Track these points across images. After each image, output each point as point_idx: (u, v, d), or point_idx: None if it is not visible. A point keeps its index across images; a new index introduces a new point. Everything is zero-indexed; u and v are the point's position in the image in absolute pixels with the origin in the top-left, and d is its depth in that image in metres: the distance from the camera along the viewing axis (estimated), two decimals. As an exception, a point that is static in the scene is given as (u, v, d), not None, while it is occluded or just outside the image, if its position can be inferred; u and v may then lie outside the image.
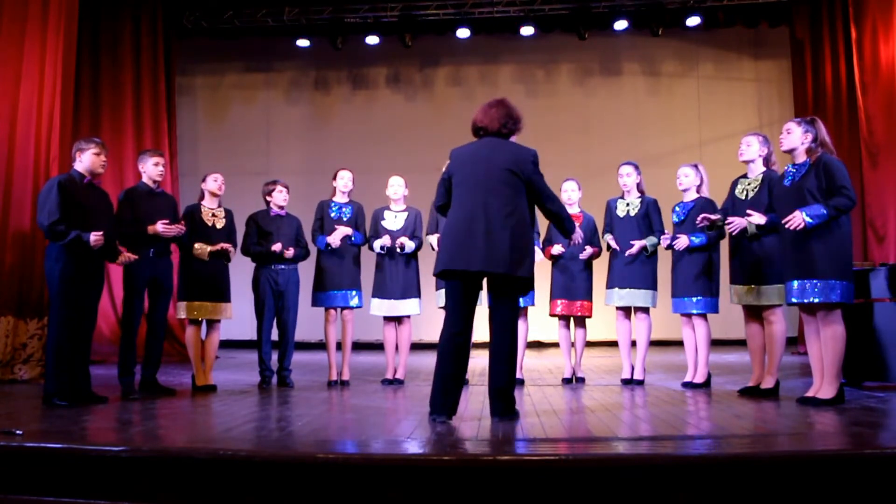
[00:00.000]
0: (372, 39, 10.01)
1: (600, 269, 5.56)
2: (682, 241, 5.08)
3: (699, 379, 5.11)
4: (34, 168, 6.02)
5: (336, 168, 5.85)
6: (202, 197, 5.41)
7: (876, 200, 7.61)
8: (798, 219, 4.00)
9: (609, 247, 5.47)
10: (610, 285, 5.44)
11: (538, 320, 6.39)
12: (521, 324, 5.38)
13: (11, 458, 2.92)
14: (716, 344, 5.85)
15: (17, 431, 3.18)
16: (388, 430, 3.54)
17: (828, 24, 8.86)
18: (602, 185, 6.12)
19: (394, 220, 5.62)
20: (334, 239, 5.49)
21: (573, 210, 5.63)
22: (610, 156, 6.82)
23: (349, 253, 5.60)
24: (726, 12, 9.69)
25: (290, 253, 5.48)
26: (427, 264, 5.66)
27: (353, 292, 5.58)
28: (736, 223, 4.60)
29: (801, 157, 4.23)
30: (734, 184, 4.86)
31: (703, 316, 5.13)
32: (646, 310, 5.39)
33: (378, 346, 6.90)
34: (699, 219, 4.87)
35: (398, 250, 5.49)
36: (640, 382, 5.37)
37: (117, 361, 4.97)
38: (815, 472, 2.64)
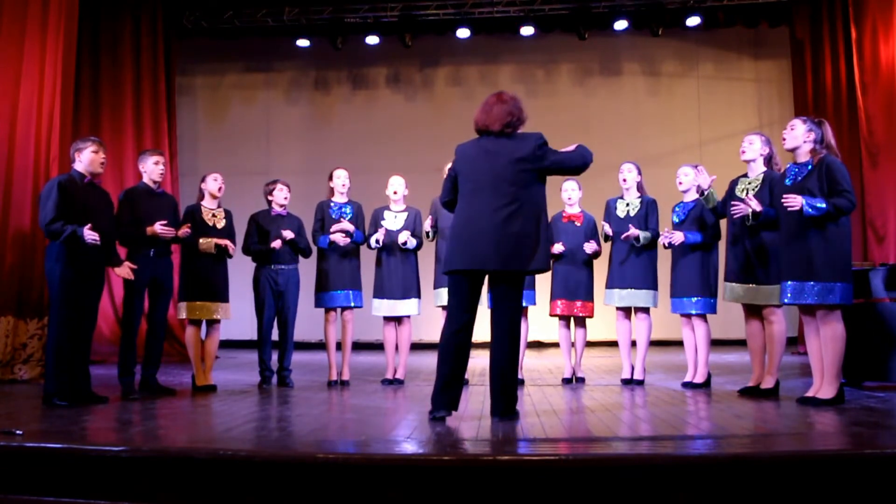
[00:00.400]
0: (372, 39, 10.01)
1: (600, 268, 5.56)
2: (678, 237, 5.09)
3: (699, 379, 5.11)
4: (34, 168, 6.02)
5: (333, 168, 5.84)
6: (202, 197, 5.41)
7: (876, 200, 7.61)
8: (798, 201, 4.00)
9: (607, 237, 5.45)
10: (610, 285, 5.44)
11: (538, 320, 6.39)
12: (521, 324, 5.38)
13: (11, 458, 2.92)
14: (716, 344, 5.85)
15: (17, 431, 3.18)
16: (388, 430, 3.54)
17: (828, 24, 8.86)
18: (602, 185, 6.11)
19: (394, 220, 5.62)
20: (336, 236, 5.48)
21: (574, 210, 5.63)
22: (610, 156, 6.80)
23: (349, 253, 5.60)
24: (726, 12, 9.69)
25: (288, 234, 5.45)
26: (427, 264, 5.68)
27: (353, 292, 5.58)
28: (741, 207, 4.55)
29: (804, 157, 4.22)
30: (733, 183, 4.85)
31: (703, 316, 5.13)
32: (646, 310, 5.39)
33: (378, 346, 6.90)
34: (698, 167, 4.86)
35: (400, 244, 5.48)
36: (640, 382, 5.37)
37: (117, 361, 4.97)
38: (815, 472, 2.64)
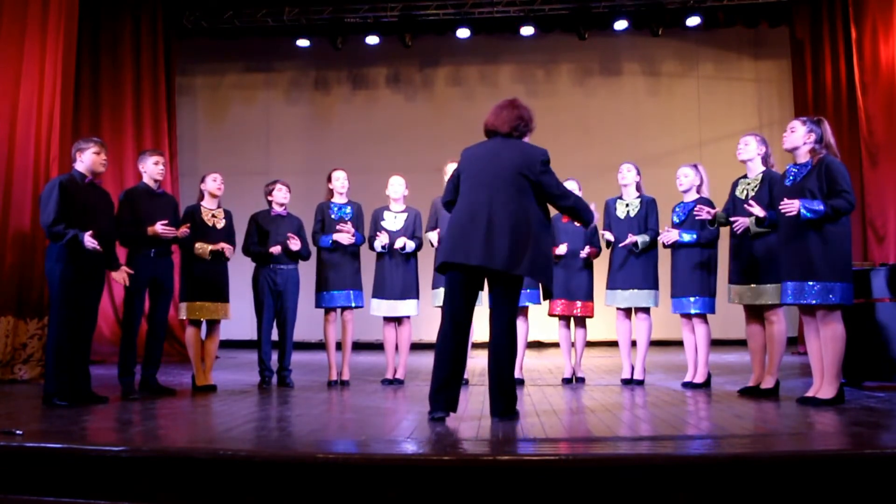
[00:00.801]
0: (372, 39, 10.01)
1: (601, 268, 5.56)
2: (672, 235, 5.10)
3: (699, 379, 5.12)
4: (34, 168, 6.02)
5: (332, 169, 5.84)
6: (201, 197, 5.41)
7: (876, 200, 7.61)
8: (794, 206, 4.00)
9: (609, 244, 5.47)
10: (611, 286, 5.44)
11: (538, 320, 6.39)
12: (521, 324, 5.39)
13: (11, 458, 2.92)
14: (716, 344, 5.85)
15: (17, 431, 3.18)
16: (388, 430, 3.54)
17: (828, 24, 8.86)
18: (602, 185, 6.12)
19: (393, 220, 5.62)
20: (341, 236, 5.48)
21: (573, 210, 5.63)
22: (610, 156, 6.82)
23: (349, 253, 5.60)
24: (726, 12, 9.69)
25: (295, 244, 5.45)
26: (427, 264, 5.68)
27: (354, 292, 5.58)
28: (740, 222, 4.60)
29: (804, 157, 4.22)
30: (734, 184, 4.86)
31: (703, 316, 5.13)
32: (646, 310, 5.39)
33: (378, 346, 6.90)
34: (697, 208, 4.87)
35: (399, 251, 5.49)
36: (640, 382, 5.37)
37: (117, 361, 4.97)
38: (815, 472, 2.64)
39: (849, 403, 4.15)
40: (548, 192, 3.74)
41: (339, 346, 5.74)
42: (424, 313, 5.86)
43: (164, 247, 5.02)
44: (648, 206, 5.42)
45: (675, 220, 5.27)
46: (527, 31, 9.85)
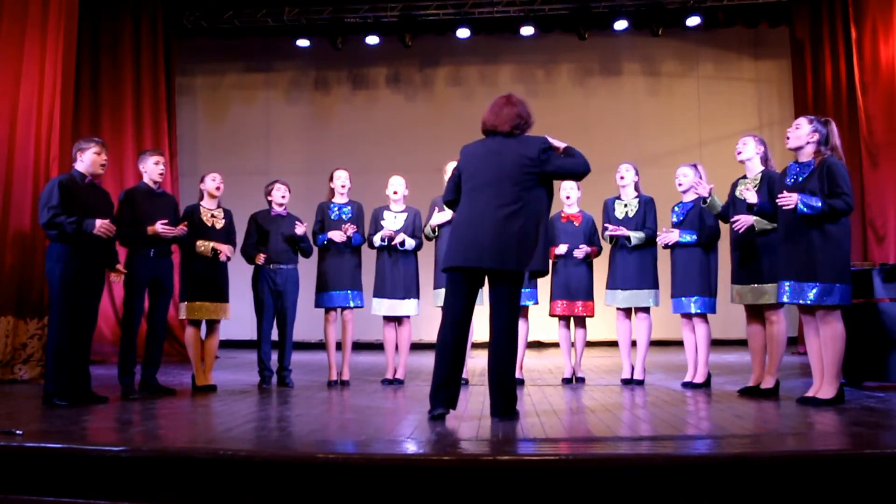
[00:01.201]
0: (372, 39, 10.01)
1: (601, 268, 5.56)
2: (672, 236, 5.10)
3: (699, 379, 5.12)
4: (34, 168, 6.02)
5: (334, 168, 5.85)
6: (201, 197, 5.41)
7: (876, 200, 7.61)
8: (793, 199, 4.00)
9: (610, 239, 5.46)
10: (611, 286, 5.44)
11: (538, 320, 6.39)
12: (521, 324, 5.38)
13: (11, 458, 2.92)
14: (716, 344, 5.85)
15: (17, 431, 3.18)
16: (388, 430, 3.54)
17: (828, 24, 8.86)
18: (602, 185, 6.11)
19: (393, 220, 5.62)
20: (334, 234, 5.49)
21: (573, 210, 5.64)
22: (610, 156, 6.81)
23: (350, 253, 5.60)
24: (726, 12, 9.69)
25: (301, 228, 5.46)
26: (427, 264, 5.68)
27: (354, 292, 5.58)
28: (742, 221, 4.59)
29: (806, 157, 4.21)
30: (734, 185, 4.86)
31: (704, 316, 5.13)
32: (646, 309, 5.39)
33: (378, 346, 6.90)
34: (694, 182, 4.84)
35: (398, 246, 5.49)
36: (640, 382, 5.37)
37: (117, 361, 4.97)
38: (815, 472, 2.64)
39: (849, 403, 4.14)
40: (559, 174, 3.76)
41: (339, 346, 5.74)
42: (425, 313, 5.86)
43: (163, 247, 5.02)
44: (647, 206, 5.42)
45: (675, 220, 5.27)
46: (527, 31, 9.85)
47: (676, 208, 5.30)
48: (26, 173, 6.00)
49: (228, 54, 10.64)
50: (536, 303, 5.44)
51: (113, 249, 4.72)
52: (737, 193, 4.77)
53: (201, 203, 5.38)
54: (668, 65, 10.62)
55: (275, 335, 5.61)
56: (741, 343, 6.03)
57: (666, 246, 5.24)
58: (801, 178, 4.18)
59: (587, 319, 5.63)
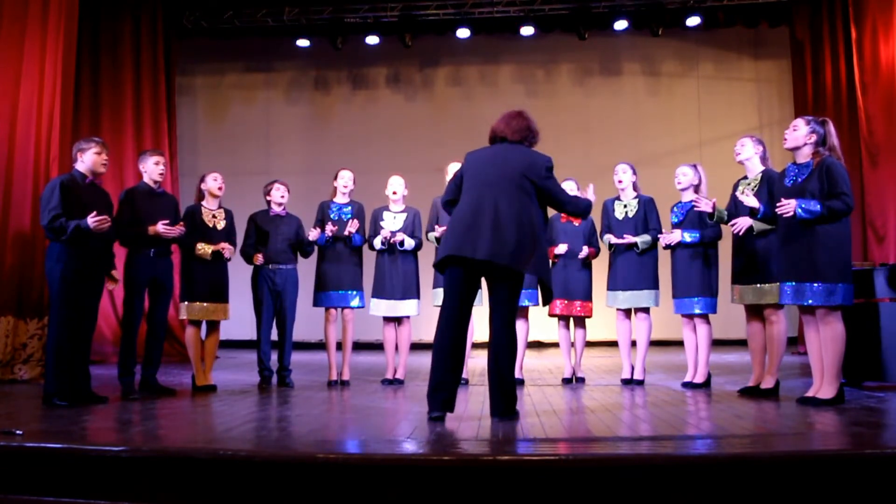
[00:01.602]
0: (372, 39, 10.01)
1: (600, 269, 5.56)
2: (675, 236, 5.10)
3: (699, 379, 5.12)
4: (34, 168, 6.01)
5: (336, 168, 5.86)
6: (202, 197, 5.41)
7: (876, 200, 7.61)
8: (791, 206, 4.00)
9: (610, 245, 5.46)
10: (612, 287, 5.44)
11: (538, 320, 6.39)
12: (521, 324, 5.39)
13: (11, 458, 2.92)
14: (716, 344, 5.84)
15: (17, 431, 3.18)
16: (388, 430, 3.54)
17: (828, 24, 8.86)
18: (602, 185, 6.08)
19: (393, 220, 5.62)
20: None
21: (573, 210, 5.63)
22: (610, 156, 6.83)
23: (349, 253, 5.60)
24: (726, 12, 9.69)
25: (314, 234, 5.48)
26: (427, 264, 5.68)
27: (354, 292, 5.58)
28: (739, 224, 4.61)
29: (804, 157, 4.21)
30: (735, 185, 4.87)
31: (705, 316, 5.13)
32: (646, 310, 5.39)
33: (378, 346, 6.90)
34: (695, 199, 4.83)
35: (398, 246, 5.49)
36: (640, 382, 5.37)
37: (117, 361, 4.97)
38: (815, 472, 2.64)
39: (849, 403, 4.14)
40: (552, 198, 3.82)
41: (339, 345, 5.74)
42: (425, 313, 5.86)
43: (163, 247, 5.02)
44: (647, 206, 5.42)
45: (674, 220, 5.27)
46: (527, 31, 9.85)
47: (676, 208, 5.29)
48: (26, 173, 6.00)
49: (228, 54, 10.64)
50: (536, 304, 5.44)
51: (110, 253, 4.72)
52: (738, 193, 4.76)
53: (202, 203, 5.37)
54: (668, 65, 10.62)
55: (274, 335, 5.61)
56: (741, 343, 6.02)
57: (667, 246, 5.24)
58: (800, 179, 4.17)
59: (587, 320, 5.64)
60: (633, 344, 5.52)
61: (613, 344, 6.13)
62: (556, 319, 5.66)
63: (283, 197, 5.66)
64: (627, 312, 5.46)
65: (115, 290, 5.11)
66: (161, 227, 4.84)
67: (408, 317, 5.62)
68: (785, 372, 5.57)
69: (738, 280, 4.75)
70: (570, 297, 5.50)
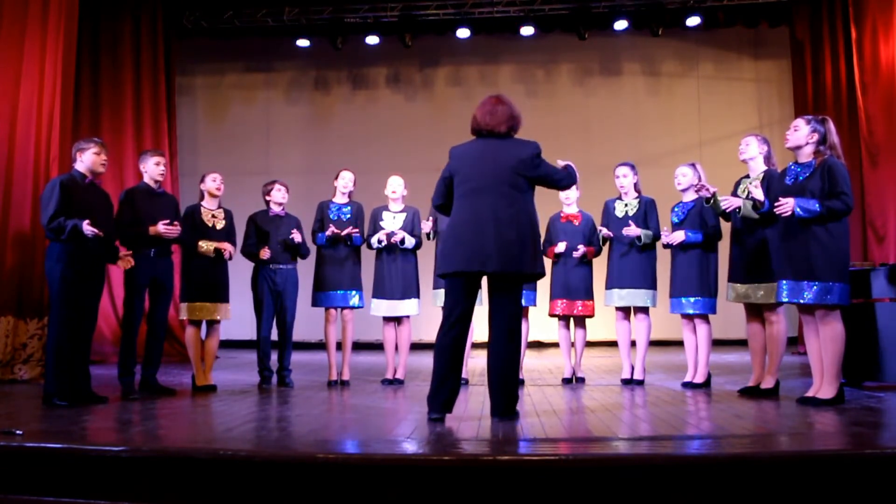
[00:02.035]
0: (372, 39, 10.01)
1: (600, 268, 5.56)
2: (678, 236, 5.09)
3: (699, 379, 5.11)
4: (34, 168, 6.01)
5: (336, 168, 5.87)
6: (201, 197, 5.41)
7: (876, 200, 7.61)
8: (789, 205, 4.00)
9: (605, 240, 5.45)
10: (609, 286, 5.43)
11: (538, 320, 6.39)
12: (521, 324, 5.38)
13: (11, 458, 2.92)
14: (716, 344, 5.84)
15: (17, 431, 3.18)
16: (388, 430, 3.54)
17: (828, 24, 8.86)
18: (602, 185, 6.12)
19: (392, 220, 5.62)
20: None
21: (572, 210, 5.63)
22: (610, 156, 6.83)
23: (349, 253, 5.60)
24: (726, 12, 9.69)
25: (298, 237, 5.49)
26: (427, 264, 5.68)
27: (354, 292, 5.58)
28: (731, 201, 4.57)
29: (806, 157, 4.20)
30: (737, 184, 4.86)
31: (705, 317, 5.13)
32: (645, 310, 5.39)
33: (378, 346, 6.90)
34: (697, 186, 4.81)
35: (398, 245, 5.49)
36: (640, 382, 5.37)
37: (117, 361, 4.98)
38: (815, 472, 2.64)
39: (849, 403, 4.14)
40: (547, 180, 3.78)
41: (339, 345, 5.74)
42: (425, 313, 5.86)
43: (163, 247, 5.02)
44: (647, 207, 5.42)
45: (675, 220, 5.26)
46: (527, 31, 9.85)
47: (676, 208, 5.29)
48: (26, 173, 6.00)
49: (228, 54, 10.64)
50: (535, 304, 5.44)
51: (113, 247, 4.71)
52: (739, 192, 4.77)
53: (202, 203, 5.38)
54: (668, 65, 10.61)
55: (274, 335, 5.61)
56: (741, 343, 6.02)
57: (666, 246, 5.23)
58: (801, 178, 4.17)
59: (587, 319, 5.63)
60: (633, 344, 5.52)
61: (613, 344, 6.13)
62: (556, 319, 5.66)
63: (283, 198, 5.67)
64: (627, 313, 5.46)
65: (116, 291, 5.10)
66: (162, 227, 4.84)
67: (408, 316, 5.62)
68: (785, 372, 5.57)
69: (735, 279, 4.73)
70: (570, 297, 5.49)
